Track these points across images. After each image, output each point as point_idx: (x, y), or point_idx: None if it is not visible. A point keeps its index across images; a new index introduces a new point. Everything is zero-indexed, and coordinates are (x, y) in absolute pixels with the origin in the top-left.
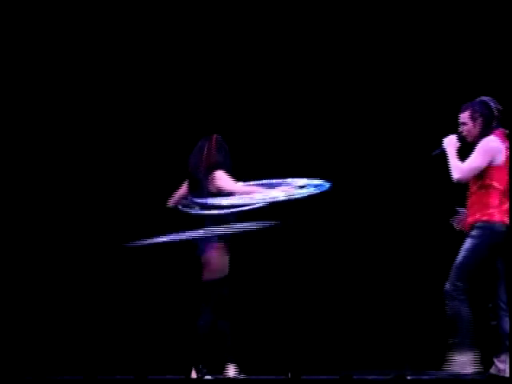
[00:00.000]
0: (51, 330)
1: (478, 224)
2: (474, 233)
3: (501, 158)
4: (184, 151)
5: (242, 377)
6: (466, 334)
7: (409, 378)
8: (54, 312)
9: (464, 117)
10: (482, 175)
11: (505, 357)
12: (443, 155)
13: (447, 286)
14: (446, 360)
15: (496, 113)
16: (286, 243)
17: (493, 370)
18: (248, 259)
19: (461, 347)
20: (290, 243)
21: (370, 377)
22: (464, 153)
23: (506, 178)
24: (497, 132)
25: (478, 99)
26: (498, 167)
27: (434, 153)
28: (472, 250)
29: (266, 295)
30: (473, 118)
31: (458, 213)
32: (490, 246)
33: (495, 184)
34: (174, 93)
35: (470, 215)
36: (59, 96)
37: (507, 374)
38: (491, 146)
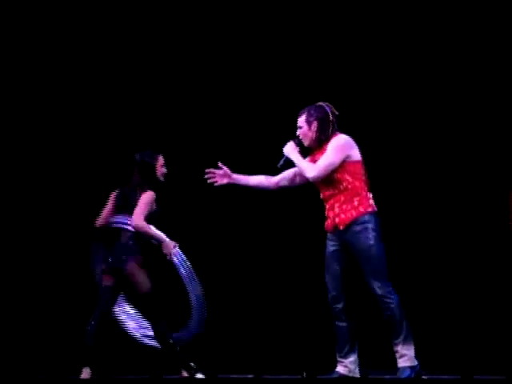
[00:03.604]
0: (51, 330)
1: (364, 217)
2: (362, 227)
3: (357, 152)
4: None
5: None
6: (407, 328)
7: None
8: (55, 312)
9: (300, 121)
10: (349, 171)
11: (354, 357)
12: (289, 163)
13: (377, 290)
14: (398, 357)
15: (331, 117)
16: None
17: (343, 371)
18: (254, 260)
19: (406, 342)
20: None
21: (372, 376)
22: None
23: (365, 170)
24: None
25: (315, 104)
26: (360, 161)
27: (279, 164)
28: (376, 245)
29: (280, 296)
30: (308, 122)
31: (219, 168)
32: (381, 234)
33: (363, 177)
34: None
35: (347, 211)
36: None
37: (357, 375)
38: (344, 143)
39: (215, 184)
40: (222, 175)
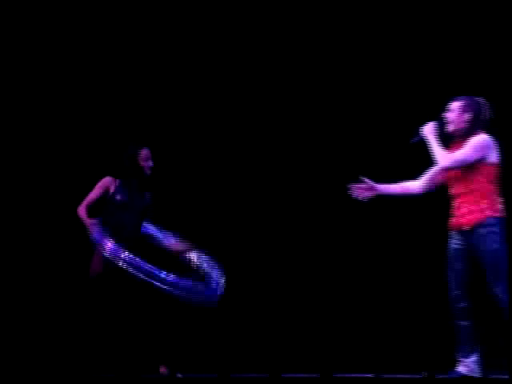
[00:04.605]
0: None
1: (490, 221)
2: (487, 230)
3: (495, 154)
4: None
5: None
6: None
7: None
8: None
9: (455, 105)
10: (484, 172)
11: (476, 357)
12: (421, 144)
13: (500, 293)
14: None
15: (484, 117)
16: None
17: (464, 370)
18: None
19: None
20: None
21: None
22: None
23: (498, 175)
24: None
25: (476, 97)
26: (496, 164)
27: (412, 140)
28: (501, 249)
29: (402, 296)
30: (462, 109)
31: (362, 182)
32: (505, 240)
33: (497, 181)
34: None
35: (474, 212)
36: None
37: (478, 374)
38: (483, 143)
39: (362, 199)
40: (366, 189)
